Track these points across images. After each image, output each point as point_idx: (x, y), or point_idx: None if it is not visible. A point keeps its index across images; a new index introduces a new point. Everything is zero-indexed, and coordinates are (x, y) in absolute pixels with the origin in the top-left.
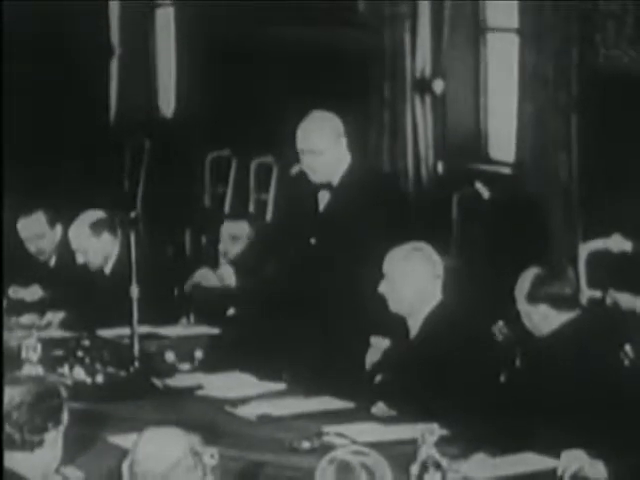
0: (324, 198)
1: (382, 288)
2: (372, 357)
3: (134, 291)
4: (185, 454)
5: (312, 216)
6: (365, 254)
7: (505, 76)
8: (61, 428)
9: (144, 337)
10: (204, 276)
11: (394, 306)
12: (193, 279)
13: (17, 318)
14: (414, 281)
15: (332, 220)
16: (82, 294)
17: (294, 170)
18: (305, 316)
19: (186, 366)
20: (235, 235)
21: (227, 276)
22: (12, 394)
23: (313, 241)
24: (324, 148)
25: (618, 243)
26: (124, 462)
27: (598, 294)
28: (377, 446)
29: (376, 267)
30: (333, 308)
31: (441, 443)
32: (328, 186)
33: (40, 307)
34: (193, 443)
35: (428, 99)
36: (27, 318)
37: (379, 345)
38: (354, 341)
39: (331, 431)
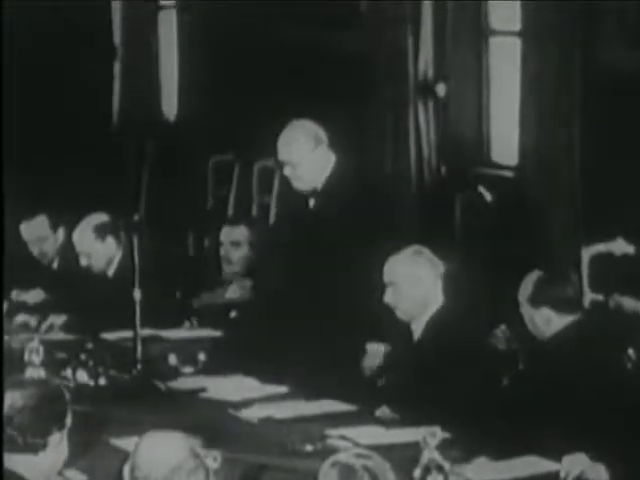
0: (312, 202)
1: (388, 298)
2: (368, 363)
3: (137, 294)
4: (186, 457)
5: (304, 221)
6: (351, 258)
7: (507, 79)
8: (65, 431)
9: (147, 340)
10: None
11: (402, 314)
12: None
13: (19, 320)
14: (420, 285)
15: (318, 224)
16: (85, 297)
17: None
18: (308, 319)
19: (189, 369)
20: (235, 241)
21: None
22: (15, 397)
23: (306, 245)
24: (300, 159)
25: (621, 246)
26: (125, 466)
27: (601, 297)
28: (380, 449)
29: (365, 270)
30: (336, 311)
31: (443, 446)
32: (313, 192)
33: (42, 310)
34: (194, 446)
35: (431, 102)
36: (28, 320)
37: (375, 351)
38: (357, 344)
39: (334, 434)
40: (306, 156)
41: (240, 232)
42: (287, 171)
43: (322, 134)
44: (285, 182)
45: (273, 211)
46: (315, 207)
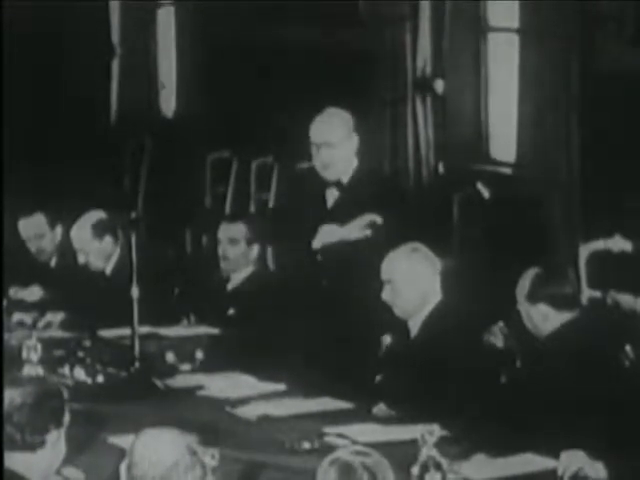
0: (332, 196)
1: (386, 295)
2: None
3: (135, 291)
4: (182, 454)
5: (320, 213)
6: (370, 253)
7: (506, 76)
8: (63, 429)
9: (145, 337)
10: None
11: (400, 311)
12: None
13: (17, 318)
14: (418, 282)
15: (340, 218)
16: (82, 294)
17: (299, 168)
18: (306, 316)
19: (186, 366)
20: (233, 238)
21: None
22: (13, 395)
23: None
24: (339, 141)
25: (619, 243)
26: (121, 464)
27: (598, 294)
28: (377, 447)
29: (380, 267)
30: (335, 308)
31: (441, 444)
32: (337, 184)
33: (40, 307)
34: (190, 442)
35: (429, 99)
36: (26, 317)
37: None
38: (355, 341)
39: (332, 432)
40: (343, 139)
41: (238, 229)
42: (322, 153)
43: (354, 127)
44: (283, 178)
45: (272, 207)
46: (336, 201)
